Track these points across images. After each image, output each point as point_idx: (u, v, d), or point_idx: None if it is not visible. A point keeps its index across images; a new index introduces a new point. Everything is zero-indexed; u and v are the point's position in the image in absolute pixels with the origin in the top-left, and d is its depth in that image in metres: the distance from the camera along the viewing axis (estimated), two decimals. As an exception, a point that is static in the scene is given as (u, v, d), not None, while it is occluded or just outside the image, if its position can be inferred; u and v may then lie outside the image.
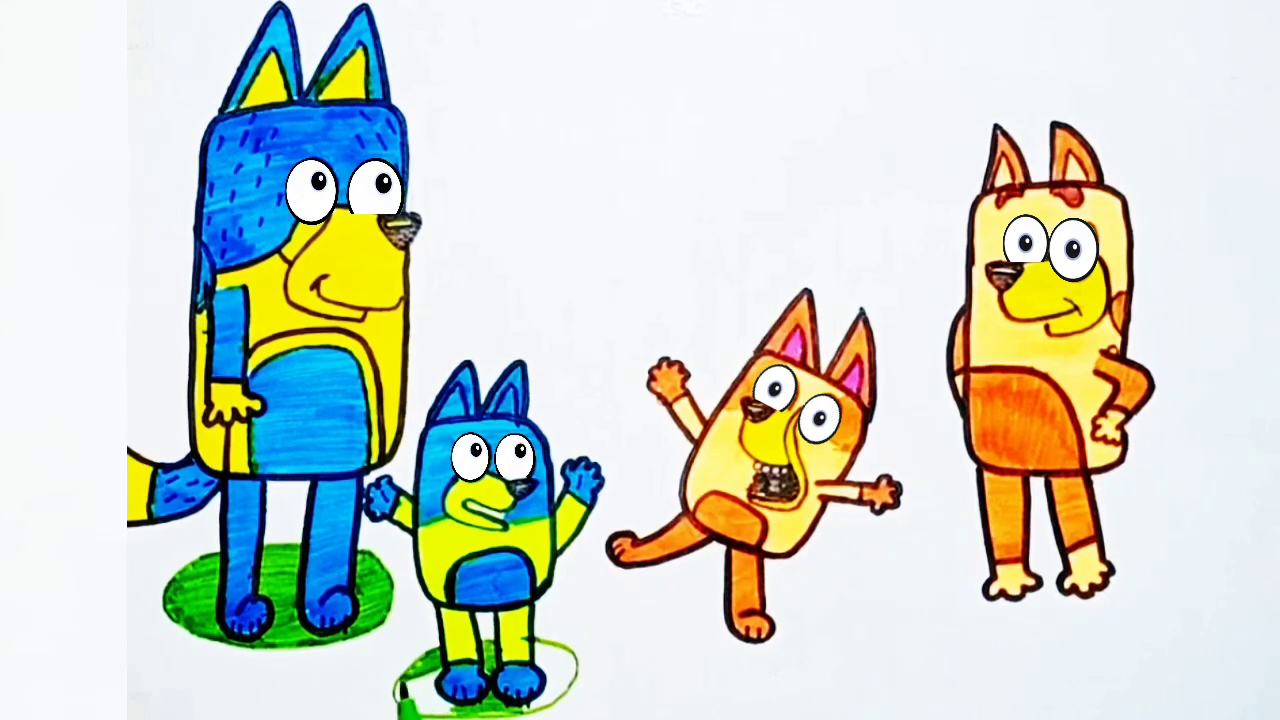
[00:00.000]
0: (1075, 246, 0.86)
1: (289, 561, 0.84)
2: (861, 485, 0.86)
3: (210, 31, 0.82)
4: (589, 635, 0.85)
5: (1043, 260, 0.86)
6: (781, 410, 0.86)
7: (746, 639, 0.85)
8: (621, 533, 0.85)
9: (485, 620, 0.85)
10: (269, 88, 0.83)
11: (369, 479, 0.84)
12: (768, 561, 0.86)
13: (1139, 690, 0.87)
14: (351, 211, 0.83)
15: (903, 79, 0.85)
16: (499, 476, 0.84)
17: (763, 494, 0.85)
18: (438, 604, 0.84)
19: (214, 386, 0.83)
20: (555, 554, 0.85)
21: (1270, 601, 0.87)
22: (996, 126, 0.86)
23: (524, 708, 0.85)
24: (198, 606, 0.83)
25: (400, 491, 0.84)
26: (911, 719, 0.86)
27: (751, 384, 0.86)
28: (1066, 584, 0.87)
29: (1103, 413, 0.86)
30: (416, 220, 0.83)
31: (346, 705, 0.84)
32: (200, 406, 0.83)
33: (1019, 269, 0.86)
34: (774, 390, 0.85)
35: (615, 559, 0.85)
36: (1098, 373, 0.86)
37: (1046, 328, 0.86)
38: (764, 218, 0.85)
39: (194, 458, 0.83)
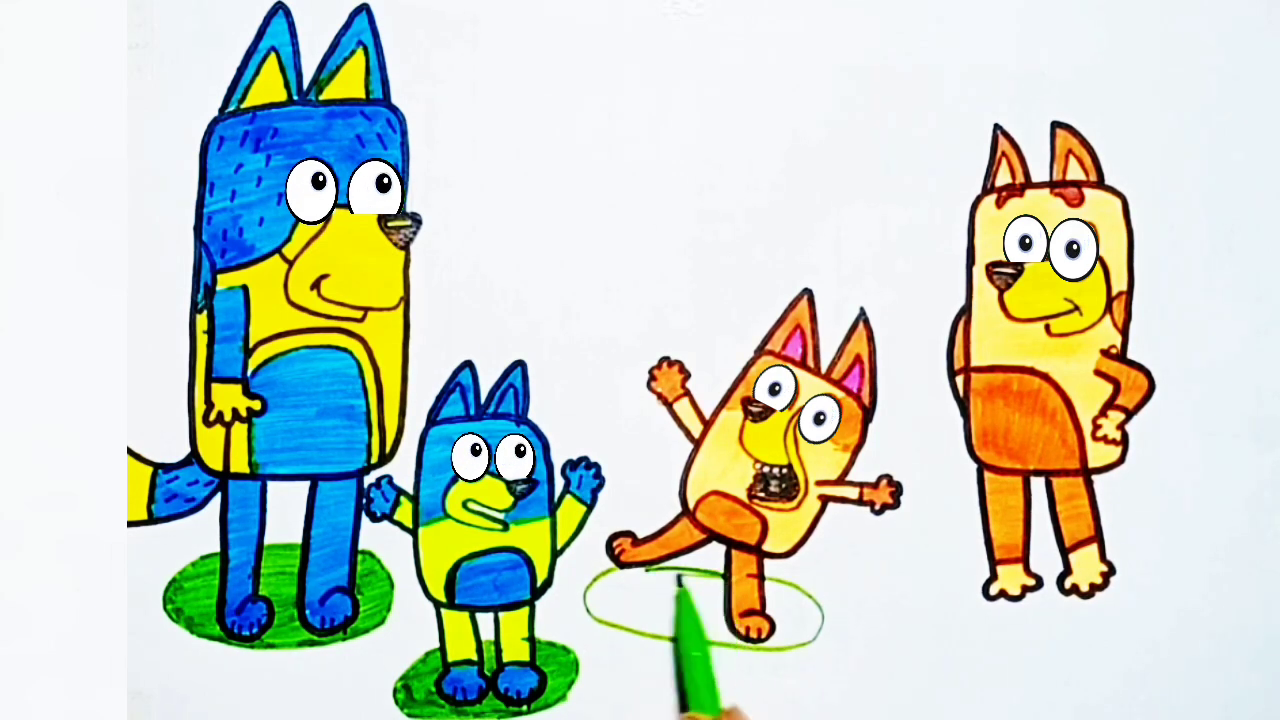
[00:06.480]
0: (1075, 246, 0.86)
1: (289, 561, 0.84)
2: (861, 485, 0.86)
3: (210, 31, 0.82)
4: (589, 635, 0.85)
5: (1043, 260, 0.86)
6: (781, 410, 0.86)
7: (746, 639, 0.85)
8: (621, 533, 0.85)
9: (485, 620, 0.85)
10: (269, 88, 0.83)
11: (369, 479, 0.84)
12: (768, 561, 0.86)
13: (1139, 690, 0.87)
14: (351, 211, 0.83)
15: (903, 79, 0.85)
16: (499, 476, 0.84)
17: (763, 494, 0.85)
18: (438, 604, 0.84)
19: (214, 386, 0.83)
20: (555, 554, 0.85)
21: (1270, 600, 0.87)
22: (996, 126, 0.86)
23: (524, 708, 0.85)
24: (198, 606, 0.83)
25: (400, 491, 0.84)
26: (911, 719, 0.86)
27: (751, 384, 0.85)
28: (1067, 584, 0.87)
29: (1103, 413, 0.86)
30: (416, 220, 0.83)
31: (346, 705, 0.84)
32: (200, 406, 0.83)
33: (1019, 269, 0.86)
34: (774, 390, 0.85)
35: (615, 559, 0.85)
36: (1098, 373, 0.86)
37: (1047, 328, 0.86)
38: (764, 218, 0.85)
39: (194, 458, 0.83)
